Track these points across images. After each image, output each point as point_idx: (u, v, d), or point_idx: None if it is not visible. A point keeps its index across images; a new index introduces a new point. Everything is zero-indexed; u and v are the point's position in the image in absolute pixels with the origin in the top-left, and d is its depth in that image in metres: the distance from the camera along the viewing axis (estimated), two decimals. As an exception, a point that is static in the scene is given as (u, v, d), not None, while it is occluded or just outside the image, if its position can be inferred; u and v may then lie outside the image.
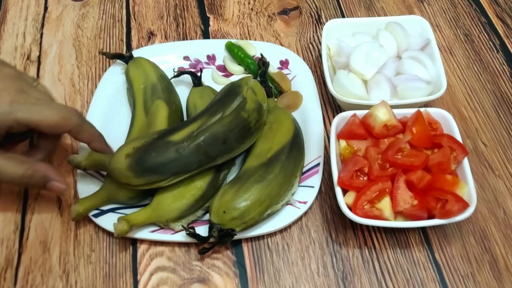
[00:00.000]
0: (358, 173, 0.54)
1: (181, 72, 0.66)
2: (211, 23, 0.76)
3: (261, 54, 0.66)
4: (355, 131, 0.56)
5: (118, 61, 0.68)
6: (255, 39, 0.74)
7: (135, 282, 0.53)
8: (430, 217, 0.52)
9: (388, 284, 0.53)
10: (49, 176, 0.52)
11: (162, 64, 0.67)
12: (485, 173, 0.61)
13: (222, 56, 0.71)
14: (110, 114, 0.64)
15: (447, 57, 0.73)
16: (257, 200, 0.52)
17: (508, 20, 0.77)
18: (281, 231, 0.56)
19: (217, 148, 0.53)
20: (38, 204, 0.58)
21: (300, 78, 0.68)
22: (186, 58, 0.70)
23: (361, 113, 0.57)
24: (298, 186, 0.57)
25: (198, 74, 0.66)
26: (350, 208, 0.52)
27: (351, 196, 0.53)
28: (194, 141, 0.52)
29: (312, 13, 0.78)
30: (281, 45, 0.73)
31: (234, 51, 0.69)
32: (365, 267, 0.54)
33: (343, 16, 0.78)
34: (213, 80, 0.69)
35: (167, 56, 0.70)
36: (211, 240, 0.53)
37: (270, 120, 0.60)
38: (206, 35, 0.74)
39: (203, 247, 0.53)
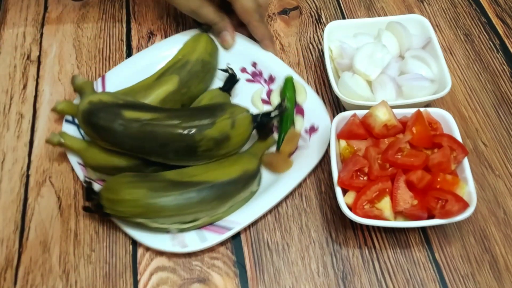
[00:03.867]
0: (358, 173, 0.54)
1: (226, 71, 0.65)
2: (211, 23, 0.76)
3: (282, 100, 0.62)
4: (355, 131, 0.56)
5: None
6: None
7: (135, 282, 0.53)
8: (430, 217, 0.52)
9: (388, 284, 0.53)
10: (228, 27, 0.68)
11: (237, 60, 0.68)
12: (485, 173, 0.61)
13: (280, 84, 0.66)
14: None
15: (447, 57, 0.73)
16: (134, 200, 0.51)
17: (508, 20, 0.77)
18: (281, 231, 0.57)
19: (153, 147, 0.54)
20: (38, 204, 0.58)
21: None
22: (254, 64, 0.68)
23: (361, 113, 0.57)
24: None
25: (237, 82, 0.64)
26: (350, 208, 0.52)
27: (351, 196, 0.53)
28: (138, 128, 0.53)
29: (312, 13, 0.78)
30: (281, 45, 0.73)
31: (287, 86, 0.64)
32: (365, 267, 0.54)
33: (343, 16, 0.78)
34: (251, 100, 0.66)
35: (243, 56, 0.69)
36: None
37: (232, 157, 0.57)
38: (206, 35, 0.74)
39: (86, 206, 0.54)
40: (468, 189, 0.53)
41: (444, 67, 0.63)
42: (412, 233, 0.57)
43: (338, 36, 0.68)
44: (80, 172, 0.58)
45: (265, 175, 0.59)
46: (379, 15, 0.77)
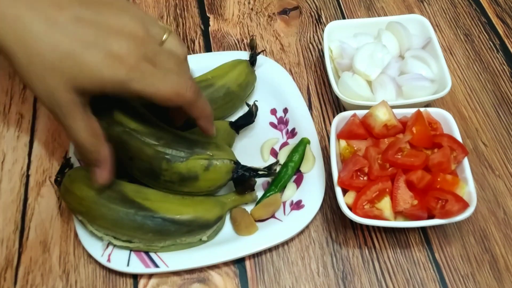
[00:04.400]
0: (358, 173, 0.54)
1: (249, 107, 0.61)
2: (211, 23, 0.76)
3: (276, 162, 0.55)
4: (355, 131, 0.56)
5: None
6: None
7: (135, 282, 0.53)
8: (430, 217, 0.52)
9: (388, 284, 0.53)
10: (101, 163, 0.49)
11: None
12: (485, 173, 0.61)
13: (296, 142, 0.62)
14: None
15: (447, 57, 0.73)
16: (81, 198, 0.51)
17: (508, 20, 0.77)
18: (281, 231, 0.57)
19: (123, 156, 0.52)
20: (38, 204, 0.58)
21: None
22: (285, 110, 0.64)
23: (361, 113, 0.57)
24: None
25: (251, 124, 0.61)
26: (350, 208, 0.52)
27: (351, 196, 0.53)
28: (118, 132, 0.51)
29: (312, 13, 0.78)
30: (281, 45, 0.73)
31: (298, 148, 0.60)
32: (365, 267, 0.54)
33: (343, 16, 0.78)
34: (261, 146, 0.62)
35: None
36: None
37: (199, 197, 0.54)
38: (206, 35, 0.74)
39: (56, 179, 0.55)
40: (468, 189, 0.53)
41: (444, 67, 0.63)
42: (412, 233, 0.57)
43: (338, 36, 0.68)
44: (73, 146, 0.60)
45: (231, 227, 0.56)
46: (379, 15, 0.77)
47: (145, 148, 0.51)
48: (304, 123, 0.63)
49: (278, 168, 0.57)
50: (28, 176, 0.60)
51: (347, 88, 0.62)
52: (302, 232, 0.56)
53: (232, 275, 0.54)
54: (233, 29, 0.75)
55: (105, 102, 0.53)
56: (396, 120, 0.56)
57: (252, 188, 0.56)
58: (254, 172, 0.54)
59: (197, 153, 0.52)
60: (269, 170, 0.54)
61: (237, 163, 0.54)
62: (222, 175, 0.53)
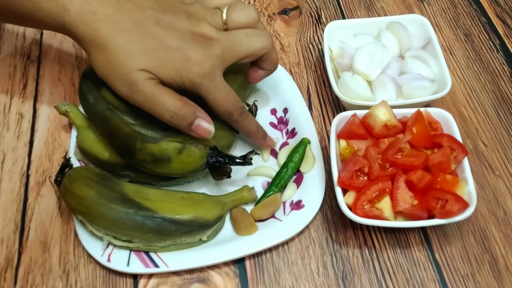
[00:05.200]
0: (358, 173, 0.54)
1: (248, 106, 0.61)
2: (211, 23, 0.76)
3: (251, 151, 0.55)
4: (355, 131, 0.56)
5: None
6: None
7: (135, 282, 0.53)
8: (430, 217, 0.52)
9: (388, 284, 0.53)
10: (198, 112, 0.51)
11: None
12: (485, 173, 0.61)
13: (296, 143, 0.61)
14: None
15: (447, 57, 0.73)
16: (80, 198, 0.51)
17: (508, 20, 0.77)
18: (281, 231, 0.57)
19: (104, 133, 0.54)
20: (38, 204, 0.58)
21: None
22: (285, 110, 0.65)
23: (361, 113, 0.57)
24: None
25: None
26: (350, 208, 0.52)
27: (351, 196, 0.53)
28: (102, 109, 0.53)
29: (312, 13, 0.78)
30: (281, 45, 0.73)
31: (298, 148, 0.60)
32: (365, 267, 0.54)
33: (343, 16, 0.78)
34: (261, 152, 0.61)
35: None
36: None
37: (192, 195, 0.55)
38: (206, 35, 0.74)
39: (56, 179, 0.55)
40: (468, 189, 0.53)
41: (444, 67, 0.63)
42: (412, 233, 0.57)
43: (338, 36, 0.68)
44: (73, 147, 0.60)
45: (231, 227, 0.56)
46: (379, 15, 0.78)
47: (123, 126, 0.52)
48: (304, 123, 0.62)
49: (253, 157, 0.56)
50: (28, 176, 0.60)
51: (347, 88, 0.62)
52: (302, 232, 0.56)
53: (232, 275, 0.54)
54: (233, 29, 0.75)
55: (95, 78, 0.53)
56: (396, 120, 0.56)
57: (228, 175, 0.55)
58: (229, 159, 0.54)
59: (171, 136, 0.52)
60: (244, 158, 0.54)
61: (213, 148, 0.54)
62: (195, 159, 0.53)
